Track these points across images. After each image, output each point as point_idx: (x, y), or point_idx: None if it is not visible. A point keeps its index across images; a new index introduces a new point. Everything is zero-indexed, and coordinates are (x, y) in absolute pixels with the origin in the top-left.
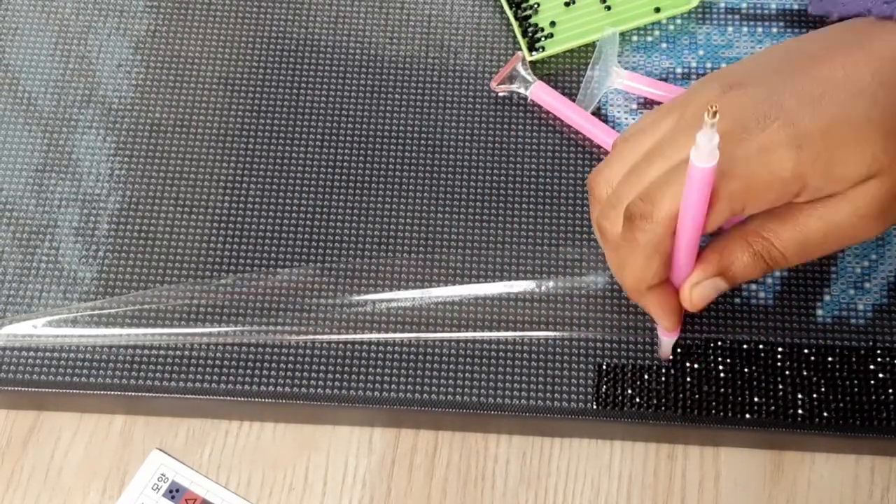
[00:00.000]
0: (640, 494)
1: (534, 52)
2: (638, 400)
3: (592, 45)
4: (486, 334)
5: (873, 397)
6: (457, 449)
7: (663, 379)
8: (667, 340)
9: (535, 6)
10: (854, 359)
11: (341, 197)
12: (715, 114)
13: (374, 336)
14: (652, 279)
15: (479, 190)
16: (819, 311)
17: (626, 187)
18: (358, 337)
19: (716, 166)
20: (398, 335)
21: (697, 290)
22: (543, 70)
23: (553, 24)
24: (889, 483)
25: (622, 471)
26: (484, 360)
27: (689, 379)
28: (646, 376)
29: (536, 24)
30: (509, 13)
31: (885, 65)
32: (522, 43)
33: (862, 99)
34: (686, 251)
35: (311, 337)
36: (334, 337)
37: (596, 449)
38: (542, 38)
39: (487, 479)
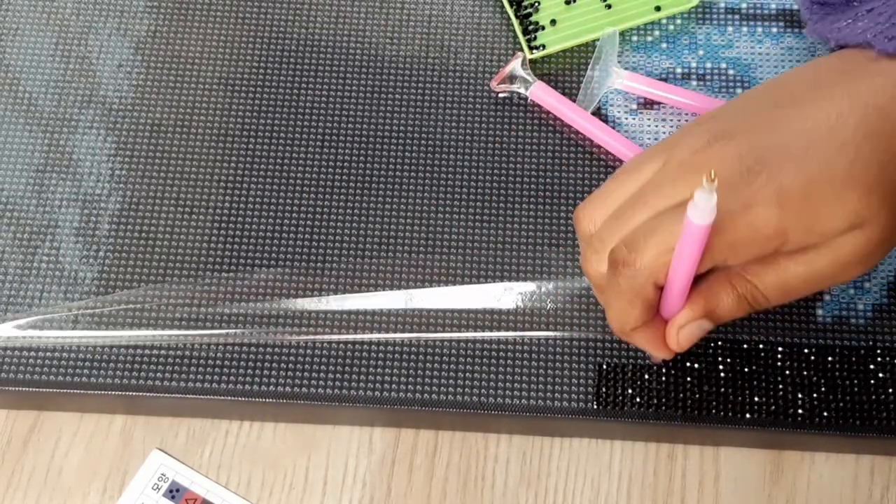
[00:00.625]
0: (640, 494)
1: (534, 51)
2: (639, 400)
3: (593, 43)
4: (487, 334)
5: (873, 397)
6: (457, 449)
7: (664, 379)
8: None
9: (536, 4)
10: (854, 358)
11: (341, 197)
12: (714, 179)
13: (375, 336)
14: (635, 322)
15: (479, 190)
16: (819, 311)
17: (607, 232)
18: (358, 337)
19: (711, 224)
20: (398, 335)
21: (684, 332)
22: (544, 69)
23: (553, 22)
24: (889, 483)
25: (622, 471)
26: (484, 359)
27: (689, 378)
28: (646, 376)
29: (537, 23)
30: (510, 11)
31: (870, 114)
32: (523, 41)
33: (845, 153)
34: (677, 295)
35: (311, 337)
36: (334, 337)
37: (596, 449)
38: (543, 37)
39: (487, 479)
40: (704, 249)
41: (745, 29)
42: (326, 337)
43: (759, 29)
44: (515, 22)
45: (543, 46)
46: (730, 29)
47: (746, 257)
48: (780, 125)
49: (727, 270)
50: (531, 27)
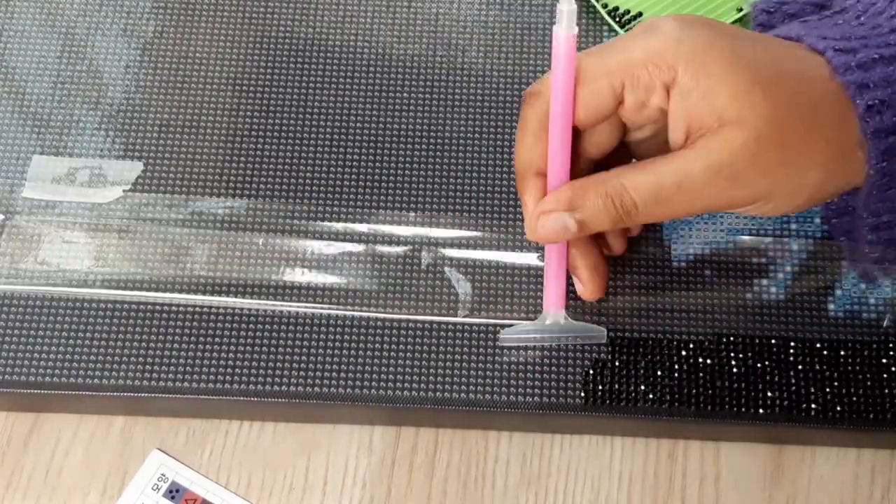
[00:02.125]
0: (640, 494)
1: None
2: (651, 396)
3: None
4: (486, 321)
5: (886, 391)
6: (457, 449)
7: (676, 375)
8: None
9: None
10: (866, 353)
11: (351, 195)
12: None
13: (379, 314)
14: (535, 158)
15: (488, 188)
16: (831, 306)
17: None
18: (358, 313)
19: (575, 36)
20: (403, 315)
21: (544, 220)
22: None
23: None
24: (889, 483)
25: (622, 471)
26: (488, 357)
27: (701, 374)
28: (658, 372)
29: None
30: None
31: (798, 58)
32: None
33: (758, 51)
34: (558, 143)
35: (310, 309)
36: (334, 311)
37: (596, 449)
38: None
39: (487, 479)
40: (596, 77)
41: (758, 27)
42: (333, 311)
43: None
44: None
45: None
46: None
47: (637, 85)
48: (720, 24)
49: (600, 175)
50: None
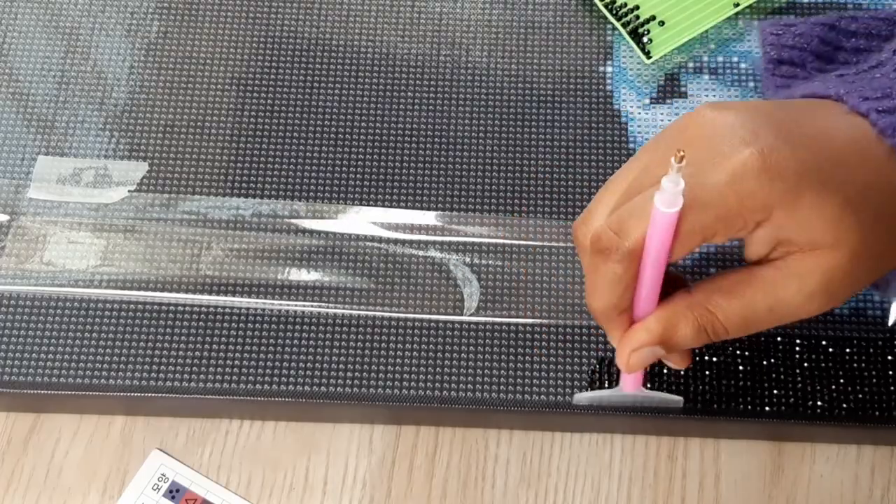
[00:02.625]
0: (640, 494)
1: (650, 56)
2: None
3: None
4: (507, 320)
5: (892, 388)
6: (457, 449)
7: (682, 373)
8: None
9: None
10: (872, 350)
11: (355, 195)
12: (682, 158)
13: (382, 313)
14: (615, 307)
15: (492, 187)
16: None
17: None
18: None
19: (679, 212)
20: (410, 314)
21: (636, 356)
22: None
23: (662, 23)
24: (889, 483)
25: (622, 471)
26: (493, 356)
27: (707, 372)
28: (665, 370)
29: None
30: (612, 20)
31: (860, 140)
32: (635, 47)
33: (835, 158)
34: (648, 288)
35: (316, 308)
36: (340, 310)
37: (596, 449)
38: (655, 37)
39: (487, 479)
40: (692, 229)
41: (755, 22)
42: (331, 310)
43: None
44: (622, 29)
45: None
46: (741, 23)
47: (731, 233)
48: (776, 112)
49: (689, 299)
50: (640, 31)
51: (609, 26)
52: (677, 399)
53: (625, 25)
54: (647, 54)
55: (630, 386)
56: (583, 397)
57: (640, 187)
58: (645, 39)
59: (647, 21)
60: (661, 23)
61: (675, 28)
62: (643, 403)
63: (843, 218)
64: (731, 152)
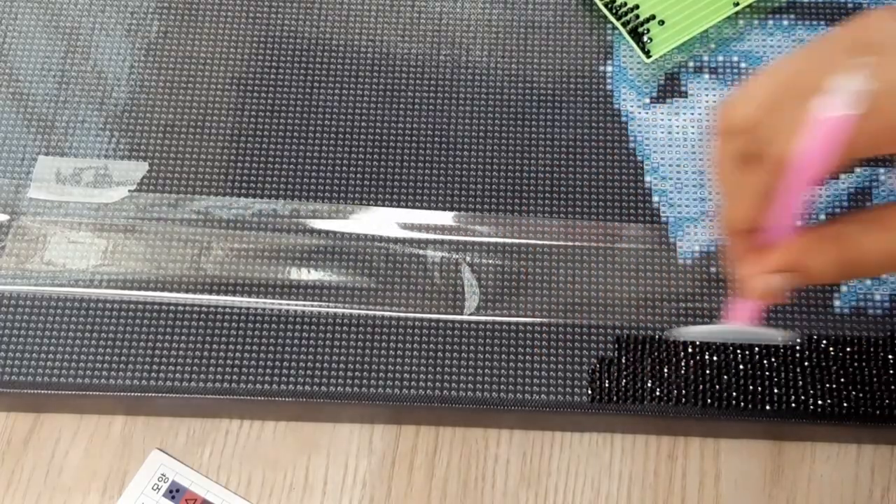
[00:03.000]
0: (640, 494)
1: (650, 55)
2: (658, 393)
3: (706, 33)
4: (507, 319)
5: (892, 387)
6: (457, 449)
7: (683, 372)
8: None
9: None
10: (873, 349)
11: (355, 194)
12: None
13: (384, 312)
14: (751, 222)
15: (493, 186)
16: (837, 302)
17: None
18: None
19: (849, 121)
20: (411, 314)
21: (766, 280)
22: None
23: (662, 22)
24: (889, 483)
25: (622, 471)
26: (494, 355)
27: (708, 371)
28: (665, 369)
29: (642, 23)
30: (612, 19)
31: None
32: (635, 46)
33: None
34: (793, 206)
35: (317, 307)
36: (340, 310)
37: (596, 449)
38: (656, 36)
39: (487, 479)
40: (864, 137)
41: (755, 21)
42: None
43: (770, 21)
44: (622, 28)
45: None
46: (741, 22)
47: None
48: None
49: (833, 227)
50: (640, 30)
51: (609, 26)
52: (787, 335)
53: (625, 25)
54: (647, 53)
55: (740, 317)
56: (681, 332)
57: (803, 86)
58: (645, 38)
59: (647, 20)
60: (661, 22)
61: (675, 27)
62: (749, 340)
63: None
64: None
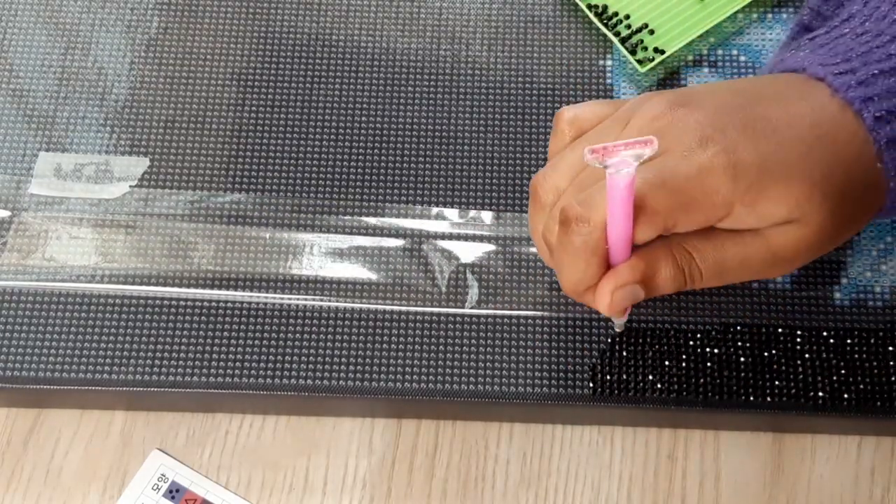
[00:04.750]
0: (640, 495)
1: (643, 63)
2: (659, 386)
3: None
4: (507, 312)
5: (893, 378)
6: (457, 449)
7: (684, 364)
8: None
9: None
10: (873, 341)
11: (355, 189)
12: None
13: (384, 306)
14: (590, 280)
15: (493, 181)
16: (837, 294)
17: (566, 198)
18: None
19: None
20: (411, 308)
21: (619, 294)
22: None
23: (652, 32)
24: (889, 483)
25: (622, 471)
26: (496, 348)
27: (709, 364)
28: (666, 362)
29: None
30: (600, 25)
31: (823, 121)
32: (628, 56)
33: (799, 147)
34: (617, 253)
35: (317, 302)
36: (341, 304)
37: (596, 449)
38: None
39: (487, 479)
40: (657, 211)
41: (755, 15)
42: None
43: (770, 15)
44: (613, 38)
45: (657, 50)
46: (740, 16)
47: (694, 224)
48: (742, 108)
49: (668, 241)
50: (631, 38)
51: (587, 25)
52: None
53: (616, 35)
54: (641, 63)
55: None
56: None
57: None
58: (638, 49)
59: (639, 30)
60: (651, 31)
61: (666, 36)
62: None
63: (811, 199)
64: (700, 148)
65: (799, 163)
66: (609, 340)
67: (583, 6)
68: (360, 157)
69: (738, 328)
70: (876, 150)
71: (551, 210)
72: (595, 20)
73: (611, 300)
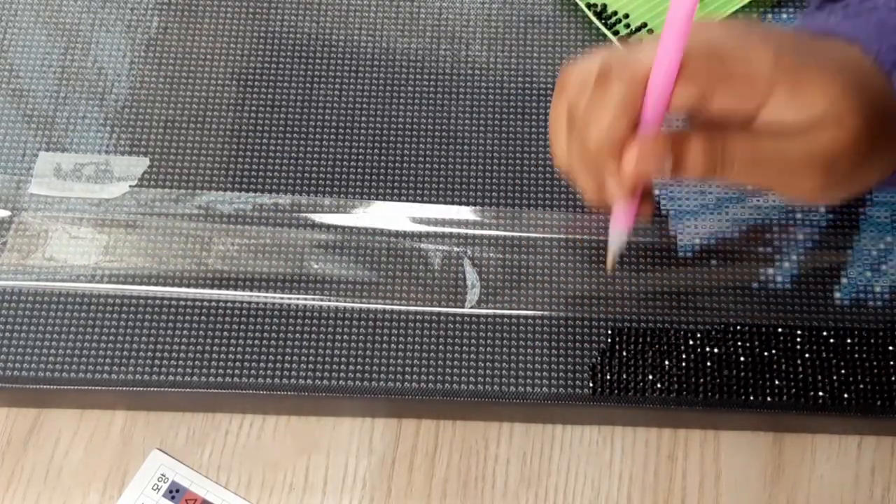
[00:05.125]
0: (640, 495)
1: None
2: (659, 385)
3: None
4: (508, 312)
5: (893, 378)
6: (457, 449)
7: (683, 364)
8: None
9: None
10: (873, 340)
11: (356, 189)
12: None
13: (385, 305)
14: (616, 138)
15: (493, 180)
16: (837, 294)
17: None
18: (365, 305)
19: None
20: (411, 307)
21: (646, 159)
22: None
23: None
24: (889, 483)
25: (622, 471)
26: (496, 348)
27: (709, 364)
28: (666, 362)
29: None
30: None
31: (857, 58)
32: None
33: (837, 60)
34: (654, 109)
35: (318, 301)
36: (342, 304)
37: (596, 449)
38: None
39: (487, 479)
40: (699, 72)
41: (754, 15)
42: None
43: (770, 15)
44: (612, 38)
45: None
46: (740, 16)
47: (733, 98)
48: (780, 35)
49: (701, 126)
50: (630, 38)
51: (587, 24)
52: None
53: (615, 34)
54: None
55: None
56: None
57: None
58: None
59: (638, 29)
60: (651, 31)
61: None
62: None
63: (846, 98)
64: (747, 39)
65: (839, 71)
66: (609, 340)
67: (582, 5)
68: (360, 156)
69: (738, 328)
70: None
71: (580, 90)
72: (594, 19)
73: (637, 163)
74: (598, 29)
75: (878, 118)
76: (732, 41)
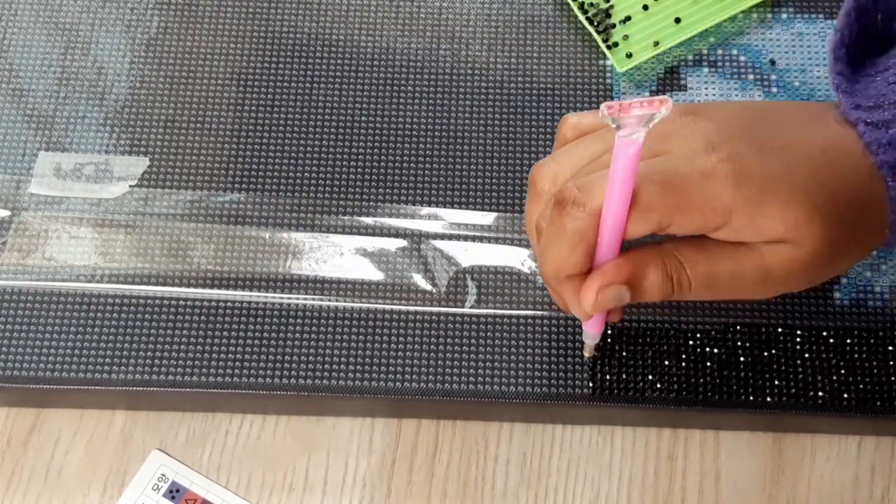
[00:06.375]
0: (640, 495)
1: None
2: (659, 385)
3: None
4: (507, 312)
5: (893, 378)
6: (457, 449)
7: (683, 364)
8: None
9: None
10: (873, 340)
11: (355, 189)
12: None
13: (387, 306)
14: (572, 268)
15: (493, 182)
16: (837, 294)
17: (570, 183)
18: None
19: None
20: (410, 307)
21: (605, 293)
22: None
23: (626, 34)
24: (889, 483)
25: (622, 471)
26: (495, 348)
27: (709, 364)
28: (666, 362)
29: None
30: (591, 29)
31: (833, 148)
32: (610, 55)
33: (805, 168)
34: (609, 242)
35: (316, 302)
36: (341, 304)
37: (596, 449)
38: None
39: (487, 479)
40: (654, 207)
41: (754, 15)
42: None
43: (769, 15)
44: (598, 37)
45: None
46: (740, 15)
47: (689, 227)
48: (750, 123)
49: (659, 247)
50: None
51: (575, 21)
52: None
53: (599, 32)
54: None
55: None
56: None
57: (604, 160)
58: (619, 46)
59: (623, 21)
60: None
61: (646, 31)
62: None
63: (810, 221)
64: (704, 153)
65: (803, 184)
66: (609, 340)
67: (573, 6)
68: (360, 156)
69: (738, 328)
70: (891, 216)
71: (548, 198)
72: (580, 15)
73: (595, 299)
74: (569, 30)
75: (846, 229)
76: (689, 167)
